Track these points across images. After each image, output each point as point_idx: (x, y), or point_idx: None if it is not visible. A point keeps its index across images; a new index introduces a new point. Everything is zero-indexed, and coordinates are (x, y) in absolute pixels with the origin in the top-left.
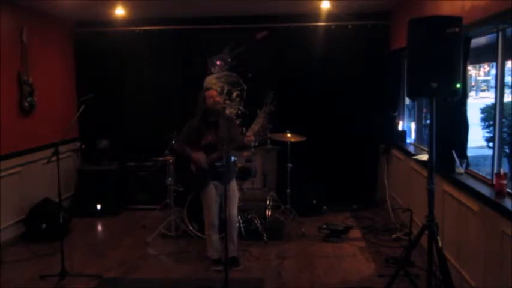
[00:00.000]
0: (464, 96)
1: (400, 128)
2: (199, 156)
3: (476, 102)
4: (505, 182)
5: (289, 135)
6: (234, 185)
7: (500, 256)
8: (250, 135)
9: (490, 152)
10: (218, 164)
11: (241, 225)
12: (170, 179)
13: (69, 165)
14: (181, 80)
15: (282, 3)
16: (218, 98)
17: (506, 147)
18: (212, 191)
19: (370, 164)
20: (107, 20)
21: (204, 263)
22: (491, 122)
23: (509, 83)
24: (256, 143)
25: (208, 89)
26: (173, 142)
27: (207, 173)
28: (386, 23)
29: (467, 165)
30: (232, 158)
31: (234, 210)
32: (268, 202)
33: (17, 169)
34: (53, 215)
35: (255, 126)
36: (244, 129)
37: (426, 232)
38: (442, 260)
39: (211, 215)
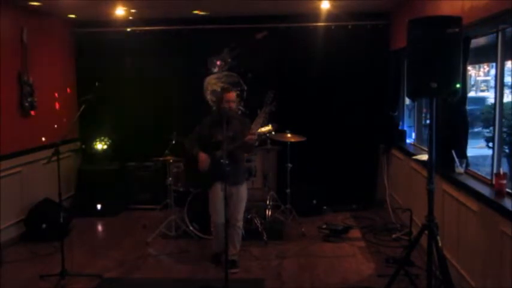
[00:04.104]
0: (464, 96)
1: (400, 128)
2: (204, 159)
3: None
4: (504, 182)
5: (289, 135)
6: (242, 189)
7: (500, 256)
8: (253, 133)
9: (489, 152)
10: (223, 161)
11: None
12: (170, 179)
13: (69, 165)
14: (181, 80)
15: (282, 3)
16: (233, 104)
17: (506, 147)
18: (217, 191)
19: (370, 164)
20: (107, 20)
21: (204, 263)
22: (491, 122)
23: (509, 83)
24: (257, 143)
25: (228, 90)
26: (184, 140)
27: (213, 173)
28: (387, 23)
29: (467, 165)
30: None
31: (238, 214)
32: (268, 202)
33: (17, 169)
34: (53, 215)
35: (255, 126)
36: None
37: (426, 232)
38: (442, 260)
39: (214, 214)
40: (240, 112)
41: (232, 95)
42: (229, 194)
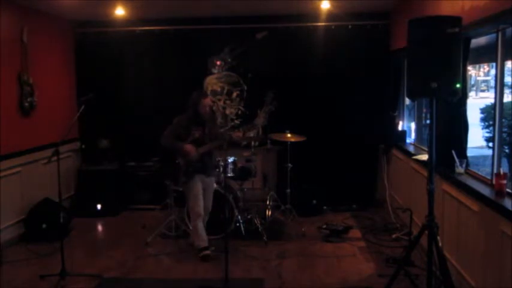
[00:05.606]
0: (464, 96)
1: (400, 128)
2: (191, 148)
3: (476, 102)
4: (504, 182)
5: (289, 135)
6: (213, 180)
7: (500, 256)
8: (239, 131)
9: (489, 152)
10: (196, 164)
11: (242, 225)
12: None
13: (69, 165)
14: (181, 80)
15: (282, 3)
16: (209, 109)
17: (506, 147)
18: (198, 183)
19: (370, 164)
20: (107, 20)
21: (204, 263)
22: (491, 122)
23: (509, 83)
24: (255, 142)
25: (205, 96)
26: (161, 138)
27: (193, 166)
28: (387, 23)
29: (467, 165)
30: (232, 158)
31: (210, 203)
32: (268, 202)
33: (17, 169)
34: (53, 215)
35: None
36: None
37: (426, 232)
38: (442, 260)
39: (198, 205)
40: (239, 112)
41: (209, 101)
42: (206, 185)
